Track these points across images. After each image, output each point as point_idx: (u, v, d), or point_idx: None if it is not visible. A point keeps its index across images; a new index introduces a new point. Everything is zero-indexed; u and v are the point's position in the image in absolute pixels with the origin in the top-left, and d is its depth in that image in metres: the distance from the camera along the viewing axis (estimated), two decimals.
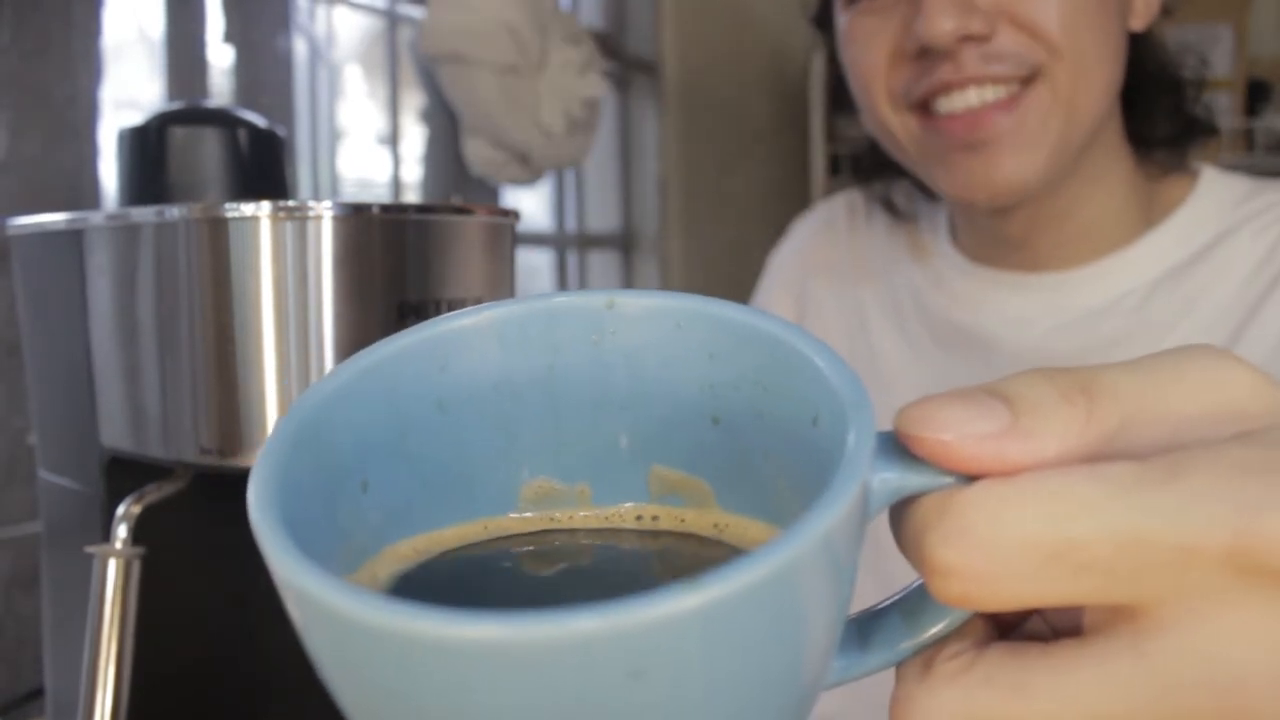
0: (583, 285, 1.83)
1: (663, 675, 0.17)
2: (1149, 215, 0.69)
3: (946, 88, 0.60)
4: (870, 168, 0.80)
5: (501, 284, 0.53)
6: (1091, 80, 0.61)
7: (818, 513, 0.18)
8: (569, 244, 1.80)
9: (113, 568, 0.49)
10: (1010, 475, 0.19)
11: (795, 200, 2.10)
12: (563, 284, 1.77)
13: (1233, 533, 0.18)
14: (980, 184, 0.61)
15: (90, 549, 0.50)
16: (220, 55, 1.12)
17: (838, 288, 0.80)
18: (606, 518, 0.25)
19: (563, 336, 0.24)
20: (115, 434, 0.50)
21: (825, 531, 0.17)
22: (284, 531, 0.19)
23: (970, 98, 0.60)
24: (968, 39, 0.59)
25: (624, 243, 1.88)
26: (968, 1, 0.58)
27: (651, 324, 0.24)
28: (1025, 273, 0.70)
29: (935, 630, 0.22)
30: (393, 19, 1.43)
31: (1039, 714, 0.20)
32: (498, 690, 0.17)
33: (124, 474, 0.51)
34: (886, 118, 0.64)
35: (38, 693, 0.69)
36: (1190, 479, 0.19)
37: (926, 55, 0.60)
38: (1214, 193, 0.68)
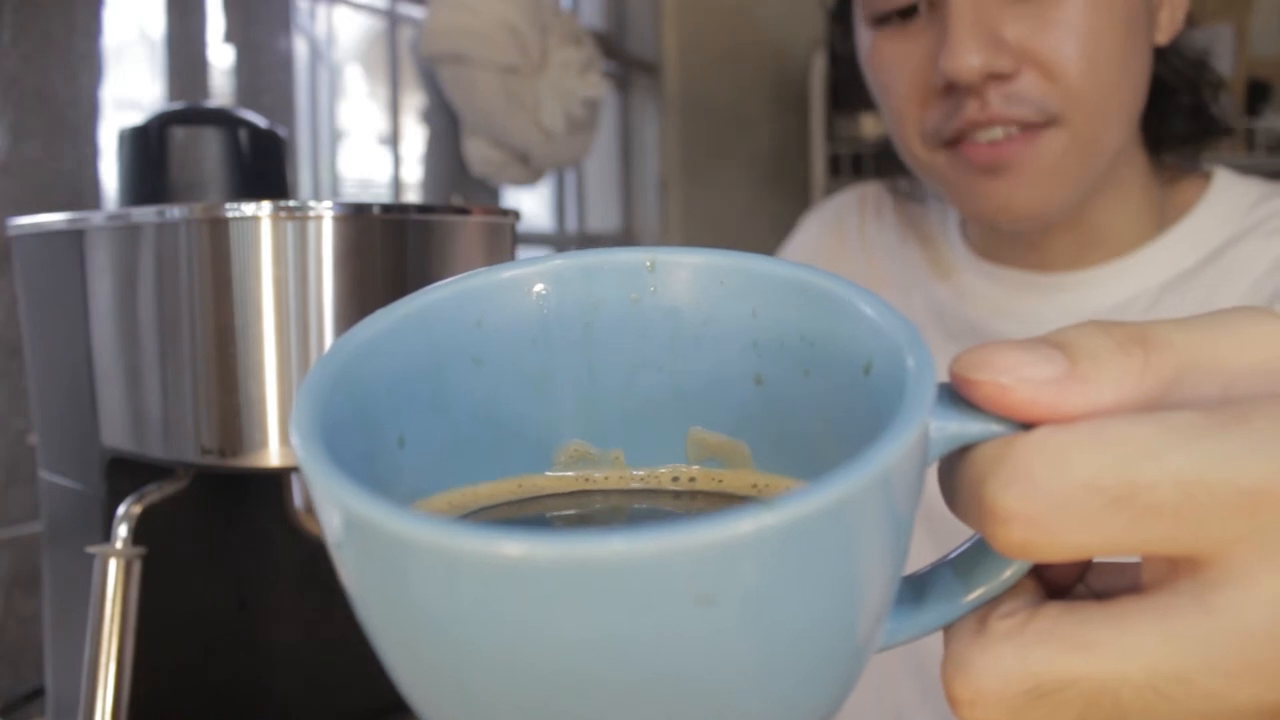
0: None
1: (729, 604, 0.16)
2: (1162, 218, 0.68)
3: (974, 126, 0.60)
4: (882, 165, 0.80)
5: None
6: (1110, 121, 0.61)
7: (886, 442, 0.17)
8: (569, 244, 1.80)
9: (113, 568, 0.49)
10: (1067, 422, 0.19)
11: (795, 200, 2.10)
12: None
13: None
14: (1001, 208, 0.62)
15: (91, 549, 0.50)
16: (221, 55, 1.12)
17: (850, 274, 0.80)
18: (643, 479, 0.25)
19: (601, 294, 0.23)
20: (116, 434, 0.50)
21: (893, 460, 0.17)
22: (333, 460, 0.18)
23: (995, 133, 0.60)
24: (993, 77, 0.59)
25: (624, 242, 1.88)
26: (995, 38, 0.58)
27: (693, 282, 0.23)
28: (1036, 272, 0.70)
29: (989, 587, 0.21)
30: (393, 19, 1.43)
31: (1100, 670, 0.19)
32: (560, 617, 0.16)
33: (125, 474, 0.51)
34: (918, 153, 0.65)
35: (38, 692, 0.69)
36: (1255, 425, 0.18)
37: (953, 91, 0.60)
38: (1226, 197, 0.68)
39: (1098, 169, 0.63)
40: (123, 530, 0.50)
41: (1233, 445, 0.18)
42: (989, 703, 0.20)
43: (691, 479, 0.25)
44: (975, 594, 0.22)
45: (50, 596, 0.57)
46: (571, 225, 1.81)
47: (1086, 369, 0.20)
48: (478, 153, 1.41)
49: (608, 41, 1.76)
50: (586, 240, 1.83)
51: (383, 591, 0.18)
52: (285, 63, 1.17)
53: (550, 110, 1.39)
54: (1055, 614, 0.20)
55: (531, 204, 1.75)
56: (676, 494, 0.24)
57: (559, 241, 1.77)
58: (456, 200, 1.46)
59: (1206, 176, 0.70)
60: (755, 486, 0.24)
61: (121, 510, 0.50)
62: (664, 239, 1.86)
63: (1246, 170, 0.73)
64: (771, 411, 0.23)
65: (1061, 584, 0.23)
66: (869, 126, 1.97)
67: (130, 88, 1.08)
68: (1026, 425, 0.20)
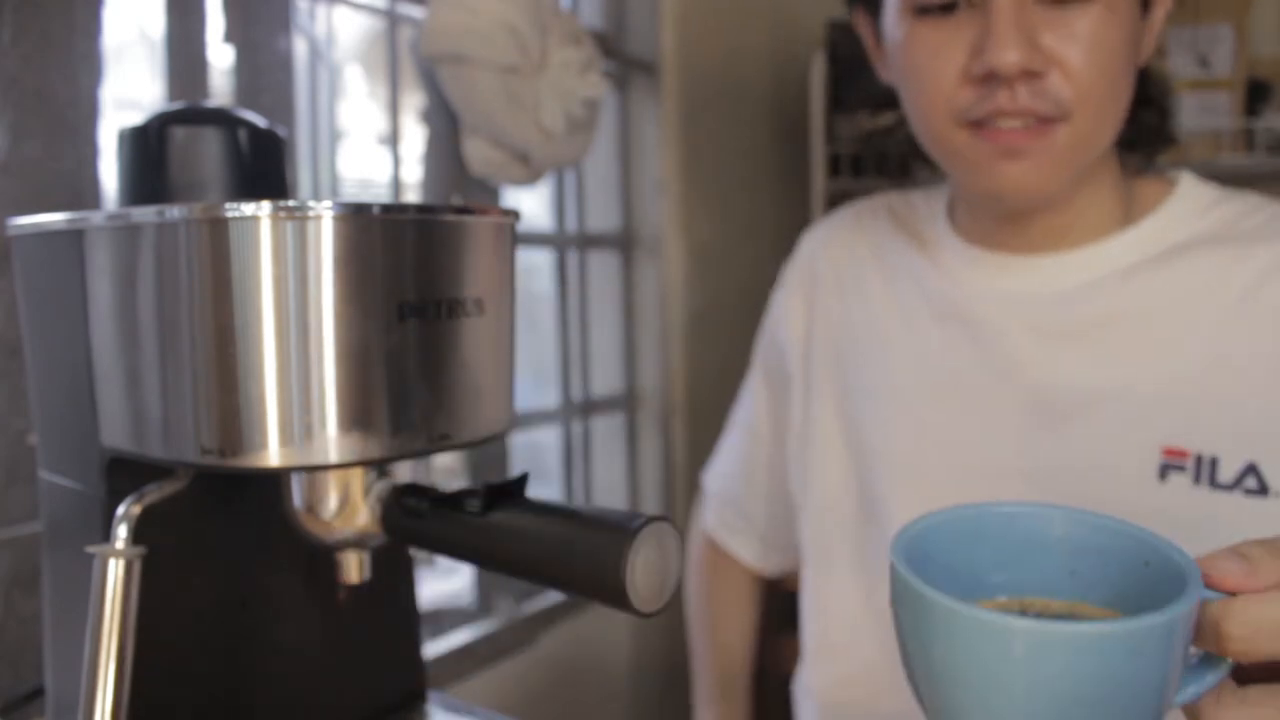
0: (583, 285, 1.83)
1: (1143, 658, 0.36)
2: (1129, 214, 0.76)
3: (1001, 113, 0.68)
4: (881, 164, 0.90)
5: (502, 284, 0.53)
6: (1107, 121, 0.71)
7: (1193, 589, 0.37)
8: (569, 244, 1.80)
9: (113, 567, 0.49)
10: (1255, 593, 0.38)
11: (795, 200, 2.10)
12: (563, 283, 1.78)
13: None
14: (1013, 187, 0.71)
15: (91, 549, 0.50)
16: (220, 55, 1.12)
17: (844, 269, 0.88)
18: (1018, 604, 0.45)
19: (1018, 528, 0.44)
20: (116, 434, 0.50)
21: (1196, 599, 0.37)
22: (923, 577, 0.39)
23: (1015, 123, 0.69)
24: (1026, 73, 0.67)
25: (624, 243, 1.88)
26: (1032, 40, 0.66)
27: (1036, 522, 0.44)
28: (1013, 254, 0.78)
29: (1217, 676, 0.40)
30: (393, 19, 1.43)
31: None
32: (1072, 666, 0.35)
33: (124, 474, 0.51)
34: (942, 131, 0.72)
35: (38, 692, 0.70)
36: None
37: (990, 80, 0.68)
38: (1187, 199, 0.76)
39: (1091, 159, 0.72)
40: (123, 530, 0.50)
41: None
42: None
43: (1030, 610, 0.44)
44: (1210, 679, 0.40)
45: (50, 596, 0.57)
46: (571, 225, 1.81)
47: (1257, 567, 0.39)
48: (478, 153, 1.41)
49: (608, 41, 1.76)
50: (586, 240, 1.83)
51: (982, 669, 0.37)
52: (285, 63, 1.17)
53: (550, 110, 1.39)
54: (1261, 690, 0.40)
55: (531, 204, 1.75)
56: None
57: (559, 241, 1.77)
58: (456, 200, 1.46)
59: (1171, 181, 0.78)
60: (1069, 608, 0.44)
61: (121, 510, 0.50)
62: (663, 239, 1.87)
63: (1246, 170, 0.77)
64: (1074, 585, 0.43)
65: (1240, 678, 0.40)
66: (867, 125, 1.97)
67: (130, 88, 1.08)
68: (1230, 594, 0.39)
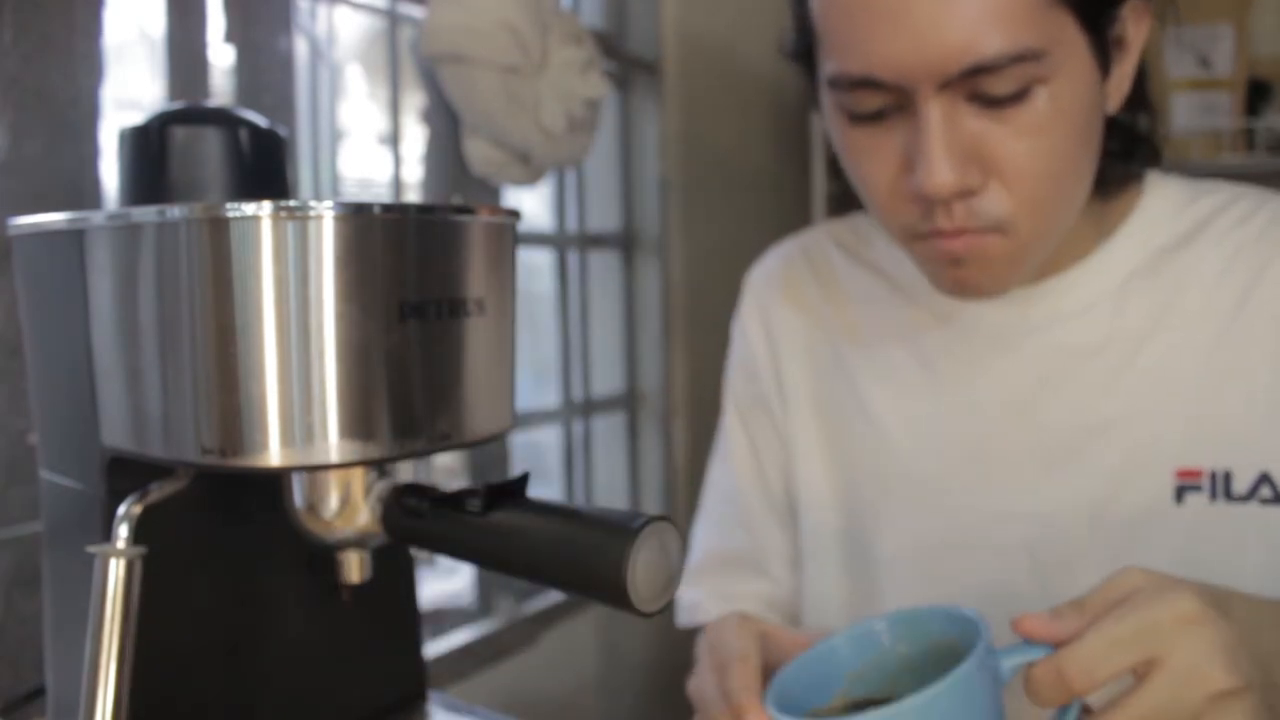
0: (583, 285, 1.83)
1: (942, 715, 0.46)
2: (1101, 226, 0.72)
3: (939, 232, 0.64)
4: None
5: (502, 284, 0.53)
6: (1059, 222, 0.66)
7: (975, 653, 0.47)
8: (569, 244, 1.80)
9: (114, 567, 0.49)
10: (1067, 639, 0.48)
11: (796, 200, 2.10)
12: (563, 283, 1.78)
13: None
14: (962, 290, 0.68)
15: (92, 548, 0.50)
16: (221, 55, 1.12)
17: (810, 332, 0.83)
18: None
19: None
20: (116, 433, 0.50)
21: (975, 663, 0.47)
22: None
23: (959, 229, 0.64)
24: (961, 192, 0.62)
25: (624, 242, 1.88)
26: (966, 153, 0.61)
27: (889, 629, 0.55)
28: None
29: (1073, 713, 0.50)
30: (394, 19, 1.43)
31: None
32: None
33: (125, 473, 0.51)
34: (890, 232, 0.68)
35: (39, 692, 0.69)
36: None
37: (924, 198, 0.63)
38: (1160, 198, 0.72)
39: (1049, 250, 0.68)
40: (123, 530, 0.50)
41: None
42: None
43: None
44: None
45: (50, 596, 0.57)
46: (572, 225, 1.81)
47: (1061, 617, 0.49)
48: (478, 153, 1.41)
49: (608, 41, 1.76)
50: (587, 240, 1.83)
51: None
52: (285, 62, 1.17)
53: (551, 110, 1.39)
54: (1108, 710, 0.48)
55: (531, 204, 1.75)
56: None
57: (559, 241, 1.77)
58: (456, 200, 1.46)
59: (1137, 179, 0.73)
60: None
61: (122, 510, 0.50)
62: (663, 239, 1.87)
63: (1246, 170, 0.75)
64: (905, 668, 0.54)
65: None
66: None
67: (130, 88, 1.08)
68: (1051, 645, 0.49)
